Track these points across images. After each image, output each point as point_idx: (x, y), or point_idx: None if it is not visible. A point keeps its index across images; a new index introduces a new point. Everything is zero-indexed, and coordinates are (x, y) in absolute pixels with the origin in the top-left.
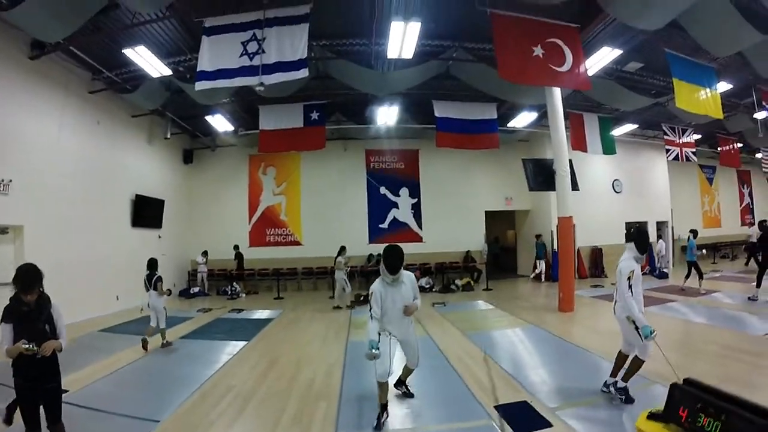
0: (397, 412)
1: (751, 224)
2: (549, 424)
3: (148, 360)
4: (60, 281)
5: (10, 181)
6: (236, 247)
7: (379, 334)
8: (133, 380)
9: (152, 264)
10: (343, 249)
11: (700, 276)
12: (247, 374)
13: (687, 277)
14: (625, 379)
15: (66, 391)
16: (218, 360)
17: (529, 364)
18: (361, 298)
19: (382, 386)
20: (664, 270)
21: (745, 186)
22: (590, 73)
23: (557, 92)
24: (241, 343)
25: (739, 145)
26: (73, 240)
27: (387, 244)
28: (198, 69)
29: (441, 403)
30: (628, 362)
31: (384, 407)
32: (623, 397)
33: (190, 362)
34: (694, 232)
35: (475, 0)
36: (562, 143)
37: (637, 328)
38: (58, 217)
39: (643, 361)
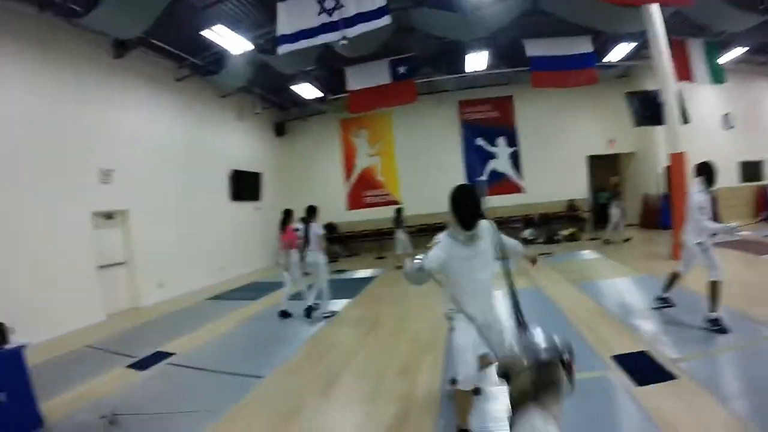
0: None
1: None
2: (672, 377)
3: (252, 323)
4: (166, 256)
5: (113, 170)
6: (329, 224)
7: (451, 320)
8: (237, 342)
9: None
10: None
11: None
12: (351, 330)
13: None
14: (713, 309)
15: (173, 354)
16: (322, 317)
17: (645, 314)
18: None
19: (464, 397)
20: None
21: None
22: None
23: (657, 13)
24: (344, 301)
25: None
26: (176, 218)
27: (456, 185)
28: (278, 34)
29: None
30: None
31: None
32: (718, 328)
33: (293, 322)
34: None
35: None
36: (667, 70)
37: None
38: (159, 198)
39: (720, 282)
